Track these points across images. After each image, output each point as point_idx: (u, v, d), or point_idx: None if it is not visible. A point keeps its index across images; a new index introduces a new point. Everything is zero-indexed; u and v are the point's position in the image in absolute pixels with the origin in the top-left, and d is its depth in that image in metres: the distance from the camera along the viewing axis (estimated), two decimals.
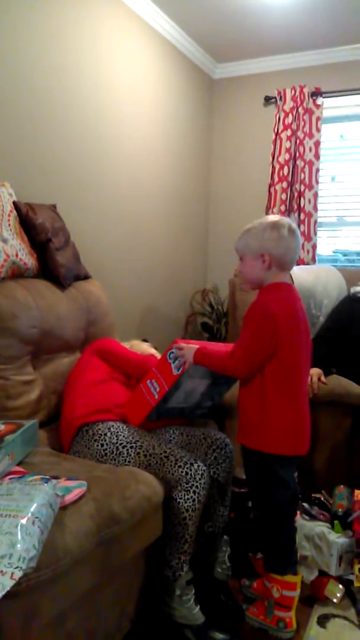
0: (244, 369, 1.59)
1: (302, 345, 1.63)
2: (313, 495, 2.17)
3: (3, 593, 0.98)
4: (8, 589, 0.99)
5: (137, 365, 1.97)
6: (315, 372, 2.38)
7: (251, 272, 1.65)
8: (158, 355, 2.13)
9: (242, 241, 1.66)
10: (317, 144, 3.51)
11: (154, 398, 1.75)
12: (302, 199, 3.50)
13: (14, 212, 1.99)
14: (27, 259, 1.97)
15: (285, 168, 3.53)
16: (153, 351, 2.22)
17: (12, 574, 1.01)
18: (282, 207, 3.54)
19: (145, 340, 2.43)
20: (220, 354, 1.63)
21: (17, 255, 1.91)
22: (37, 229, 2.04)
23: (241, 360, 1.57)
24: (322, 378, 2.39)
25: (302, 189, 3.50)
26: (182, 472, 1.59)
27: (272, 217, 1.66)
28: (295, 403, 1.62)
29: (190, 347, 1.68)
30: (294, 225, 1.65)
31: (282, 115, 3.55)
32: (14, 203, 2.01)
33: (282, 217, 1.67)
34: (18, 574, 1.01)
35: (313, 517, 2.03)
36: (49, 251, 2.06)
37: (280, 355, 1.56)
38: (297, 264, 2.87)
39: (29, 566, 1.04)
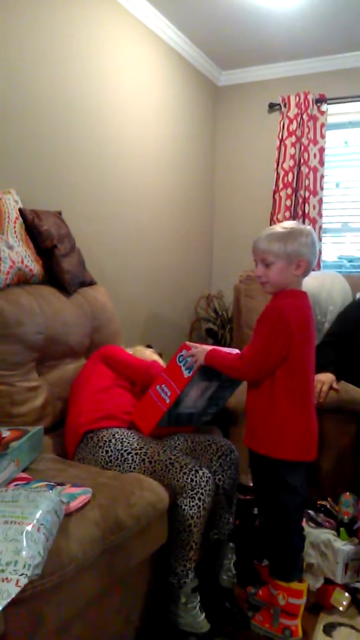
0: (253, 371, 1.59)
1: (311, 353, 1.63)
2: (319, 502, 2.16)
3: (8, 600, 0.98)
4: (13, 596, 0.99)
5: (140, 372, 1.97)
6: (327, 378, 2.34)
7: (281, 276, 1.61)
8: (161, 362, 2.13)
9: (277, 245, 1.59)
10: (322, 150, 3.51)
11: (165, 403, 1.74)
12: (306, 205, 3.51)
13: (20, 219, 2.00)
14: (33, 265, 1.98)
15: (290, 174, 3.54)
16: (156, 357, 2.22)
17: (17, 580, 1.01)
18: (287, 214, 3.54)
19: (149, 346, 2.43)
20: (230, 355, 1.64)
21: (22, 261, 1.91)
22: (43, 235, 2.05)
23: (251, 363, 1.58)
24: (335, 385, 2.34)
25: (306, 195, 3.51)
26: (187, 478, 1.59)
27: (298, 224, 1.65)
28: (304, 408, 1.62)
29: (202, 347, 1.70)
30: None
31: (287, 122, 3.57)
32: (20, 210, 2.02)
33: (305, 225, 1.66)
34: (23, 581, 1.01)
35: (319, 525, 2.02)
36: (55, 257, 2.07)
37: (291, 361, 1.56)
38: None
39: (34, 573, 1.04)
